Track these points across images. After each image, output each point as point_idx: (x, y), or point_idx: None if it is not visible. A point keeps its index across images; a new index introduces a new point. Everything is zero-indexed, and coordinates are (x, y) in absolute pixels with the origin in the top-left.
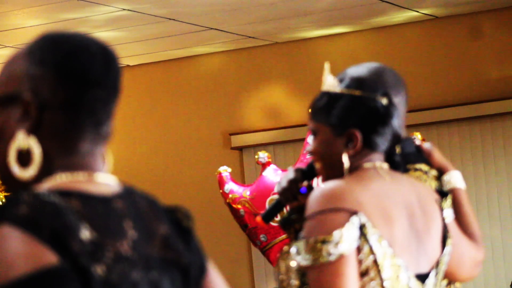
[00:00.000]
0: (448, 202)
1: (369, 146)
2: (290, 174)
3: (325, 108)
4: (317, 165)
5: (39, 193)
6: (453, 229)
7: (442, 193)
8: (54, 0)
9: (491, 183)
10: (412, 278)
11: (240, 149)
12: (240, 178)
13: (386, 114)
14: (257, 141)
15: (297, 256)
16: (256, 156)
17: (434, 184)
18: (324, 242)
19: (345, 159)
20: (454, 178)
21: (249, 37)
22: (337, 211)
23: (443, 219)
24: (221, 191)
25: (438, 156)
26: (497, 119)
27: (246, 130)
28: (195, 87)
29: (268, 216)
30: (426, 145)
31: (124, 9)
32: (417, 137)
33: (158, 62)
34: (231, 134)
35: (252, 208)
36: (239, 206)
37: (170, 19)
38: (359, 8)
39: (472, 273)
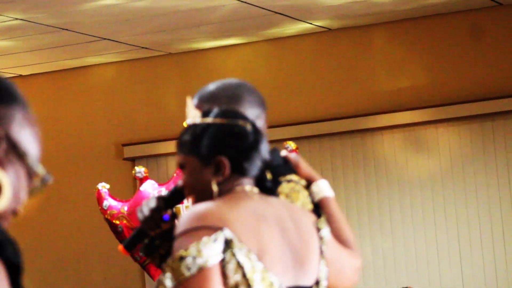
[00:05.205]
0: (323, 221)
1: (238, 172)
2: (152, 203)
3: (192, 140)
4: (191, 198)
5: None
6: (333, 244)
7: (317, 213)
8: None
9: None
10: None
11: (133, 159)
12: (131, 188)
13: (253, 139)
14: (150, 152)
15: (166, 281)
16: (133, 172)
17: (305, 193)
18: (181, 258)
19: (214, 186)
20: (322, 187)
21: (142, 47)
22: (199, 229)
23: (321, 238)
24: (99, 207)
25: (304, 167)
26: (387, 132)
27: (140, 141)
28: (88, 98)
29: (130, 245)
30: (293, 156)
31: (16, 19)
32: (291, 146)
33: (51, 72)
34: (123, 145)
35: (130, 223)
36: (117, 222)
37: (62, 29)
38: (252, 20)
39: (353, 280)
